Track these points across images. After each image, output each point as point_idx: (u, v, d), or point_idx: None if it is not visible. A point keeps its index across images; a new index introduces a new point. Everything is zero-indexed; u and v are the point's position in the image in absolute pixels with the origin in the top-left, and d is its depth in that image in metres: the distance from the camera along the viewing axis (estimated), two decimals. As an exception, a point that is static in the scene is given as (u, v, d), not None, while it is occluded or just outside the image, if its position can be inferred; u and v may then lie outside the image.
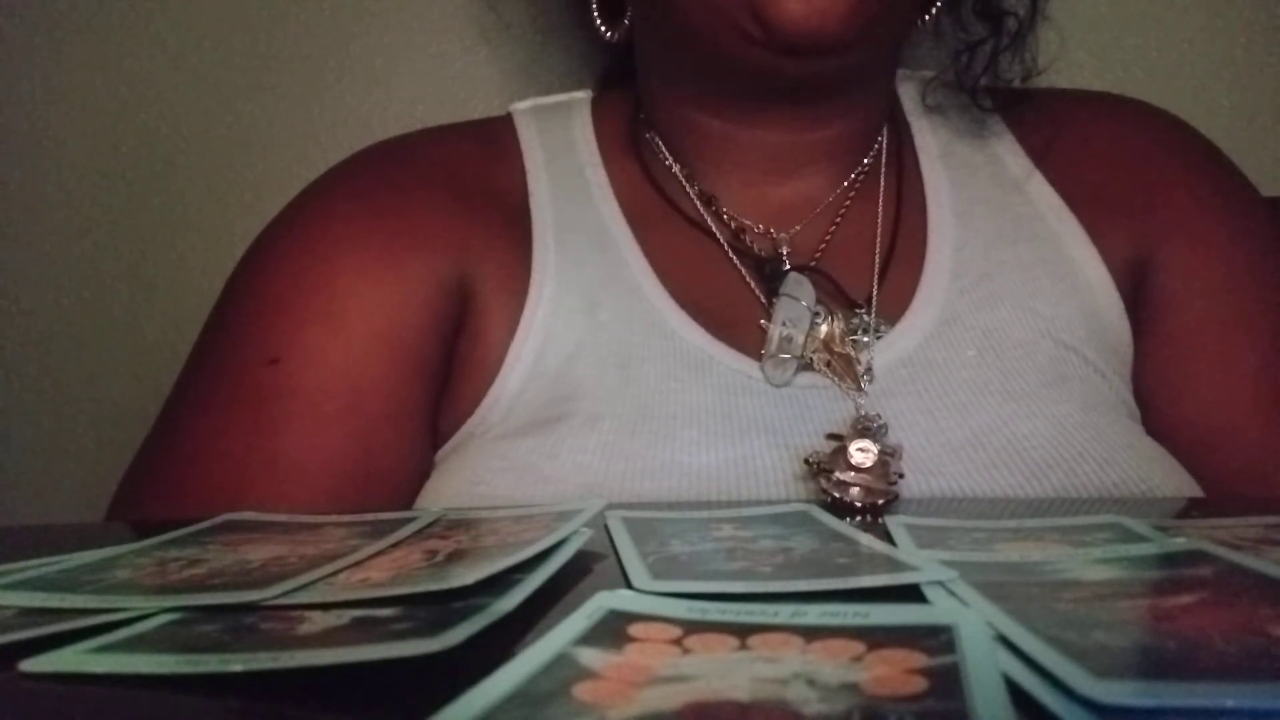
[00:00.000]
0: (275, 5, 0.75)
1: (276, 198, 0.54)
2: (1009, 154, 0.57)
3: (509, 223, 0.53)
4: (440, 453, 0.50)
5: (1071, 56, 0.70)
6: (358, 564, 0.30)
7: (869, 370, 0.48)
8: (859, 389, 0.48)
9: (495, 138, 0.57)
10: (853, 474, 0.40)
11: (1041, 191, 0.55)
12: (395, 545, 0.32)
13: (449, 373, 0.50)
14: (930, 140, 0.58)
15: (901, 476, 0.42)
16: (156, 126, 0.76)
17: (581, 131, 0.58)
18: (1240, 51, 0.72)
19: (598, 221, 0.54)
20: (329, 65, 0.75)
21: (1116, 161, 0.55)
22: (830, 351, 0.48)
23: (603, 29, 0.58)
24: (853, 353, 0.48)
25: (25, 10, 0.76)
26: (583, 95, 0.61)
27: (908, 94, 0.60)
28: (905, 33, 0.55)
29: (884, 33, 0.50)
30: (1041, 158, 0.56)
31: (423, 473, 0.49)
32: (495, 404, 0.49)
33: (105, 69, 0.76)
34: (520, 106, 0.60)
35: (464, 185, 0.54)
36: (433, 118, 0.68)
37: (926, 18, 0.56)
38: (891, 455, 0.41)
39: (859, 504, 0.40)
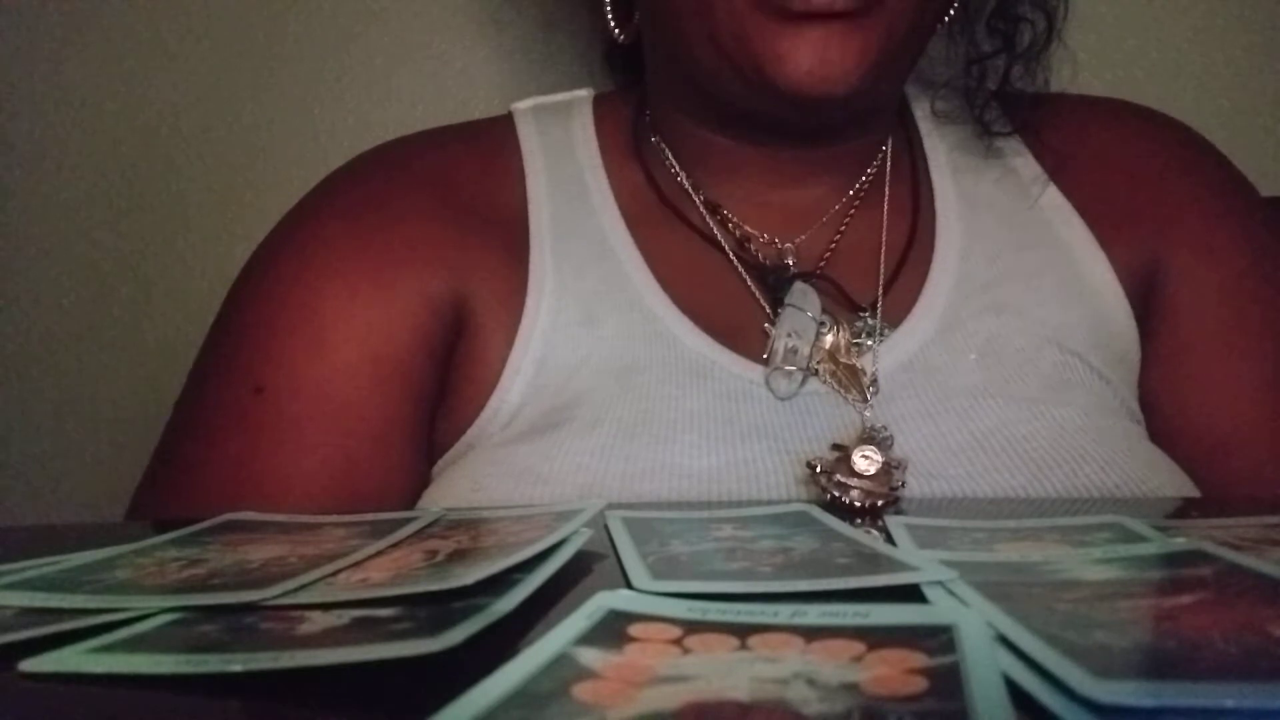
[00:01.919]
0: (275, 5, 0.75)
1: (276, 198, 0.54)
2: (1018, 160, 0.56)
3: (506, 231, 0.53)
4: (438, 465, 0.50)
5: (1071, 56, 0.70)
6: (358, 564, 0.30)
7: (874, 382, 0.48)
8: (864, 400, 0.47)
9: (494, 141, 0.57)
10: (856, 479, 0.40)
11: (1050, 198, 0.55)
12: (395, 545, 0.32)
13: (445, 387, 0.50)
14: (939, 145, 0.58)
15: (904, 485, 0.42)
16: (156, 126, 0.76)
17: (582, 133, 0.58)
18: (1240, 51, 0.72)
19: (596, 228, 0.53)
20: (329, 65, 0.75)
21: (1126, 169, 0.55)
22: (835, 362, 0.48)
23: (615, 31, 0.58)
24: (858, 363, 0.48)
25: (26, 10, 0.76)
26: (584, 94, 0.61)
27: (916, 98, 0.60)
28: (914, 64, 0.55)
29: (892, 74, 0.50)
30: (1051, 165, 0.56)
31: (413, 491, 0.48)
32: (495, 416, 0.48)
33: (105, 69, 0.76)
34: (521, 106, 0.59)
35: (460, 195, 0.53)
36: (433, 118, 0.68)
37: (941, 22, 0.55)
38: (897, 468, 0.41)
39: (859, 504, 0.40)
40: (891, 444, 0.44)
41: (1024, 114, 0.57)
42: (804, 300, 0.49)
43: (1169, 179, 0.55)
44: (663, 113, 0.57)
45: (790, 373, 0.48)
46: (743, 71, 0.47)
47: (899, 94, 0.58)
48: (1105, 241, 0.53)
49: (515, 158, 0.56)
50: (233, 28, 0.75)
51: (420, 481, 0.49)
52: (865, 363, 0.48)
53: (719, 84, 0.49)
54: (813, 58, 0.45)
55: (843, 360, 0.48)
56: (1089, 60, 0.71)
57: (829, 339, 0.49)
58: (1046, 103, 0.58)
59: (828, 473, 0.41)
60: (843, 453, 0.41)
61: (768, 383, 0.48)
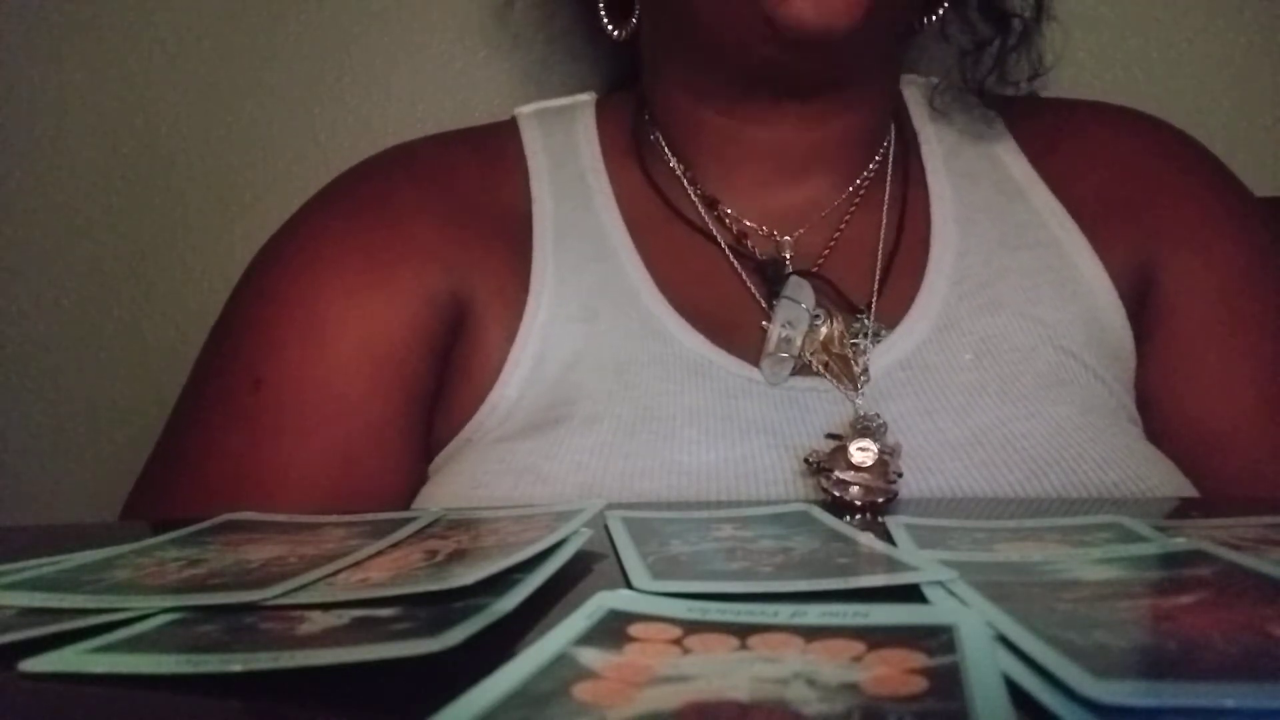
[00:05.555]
0: (275, 5, 0.75)
1: (276, 198, 0.55)
2: (1012, 160, 0.57)
3: (509, 231, 0.53)
4: (436, 461, 0.50)
5: (1072, 56, 0.70)
6: (358, 564, 0.30)
7: (865, 372, 0.48)
8: (855, 389, 0.48)
9: (498, 144, 0.57)
10: (853, 473, 0.40)
11: (1043, 198, 0.55)
12: (395, 545, 0.32)
13: (444, 382, 0.50)
14: (936, 146, 0.58)
15: (900, 475, 0.42)
16: (156, 126, 0.76)
17: (585, 135, 0.58)
18: (1240, 51, 0.72)
19: (597, 228, 0.54)
20: (329, 65, 0.75)
21: (1117, 168, 0.55)
22: (828, 353, 0.48)
23: (610, 28, 0.58)
24: (851, 355, 0.49)
25: (25, 10, 0.76)
26: (586, 98, 0.61)
27: (914, 99, 0.60)
28: (909, 24, 0.55)
29: (888, 21, 0.50)
30: (1043, 164, 0.56)
31: (409, 487, 0.49)
32: (493, 410, 0.49)
33: (105, 69, 0.76)
34: (524, 110, 0.60)
35: (463, 195, 0.54)
36: (433, 118, 0.68)
37: (933, 18, 0.56)
38: (891, 454, 0.41)
39: (859, 503, 0.40)
40: (885, 431, 0.44)
41: (1018, 110, 0.57)
42: (799, 292, 0.50)
43: (1162, 178, 0.55)
44: (661, 102, 0.57)
45: (783, 360, 0.48)
46: (745, 17, 0.47)
47: (894, 65, 0.58)
48: (1097, 240, 0.53)
49: (519, 160, 0.56)
50: (233, 28, 0.75)
51: (416, 481, 0.49)
52: (860, 359, 0.49)
53: (720, 32, 0.49)
54: None
55: (836, 351, 0.48)
56: (1089, 60, 0.71)
57: (823, 330, 0.49)
58: (1040, 104, 0.58)
59: (826, 470, 0.41)
60: (839, 442, 0.42)
61: (761, 370, 0.48)
